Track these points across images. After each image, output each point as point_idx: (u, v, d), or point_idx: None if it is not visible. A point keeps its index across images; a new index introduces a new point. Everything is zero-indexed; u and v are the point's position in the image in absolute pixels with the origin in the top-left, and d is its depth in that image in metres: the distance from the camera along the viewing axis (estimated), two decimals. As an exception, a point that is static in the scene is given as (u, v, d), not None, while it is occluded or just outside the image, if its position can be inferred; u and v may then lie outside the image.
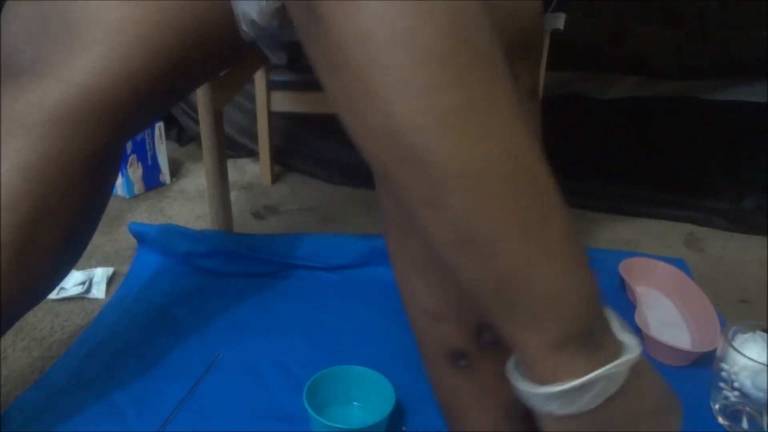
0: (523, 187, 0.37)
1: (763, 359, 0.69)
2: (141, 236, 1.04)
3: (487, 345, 0.50)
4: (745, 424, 0.73)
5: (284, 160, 1.46)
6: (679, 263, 1.04)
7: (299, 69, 1.38)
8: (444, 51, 0.34)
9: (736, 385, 0.72)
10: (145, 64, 0.55)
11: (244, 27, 0.59)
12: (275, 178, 1.42)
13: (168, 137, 1.47)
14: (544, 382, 0.39)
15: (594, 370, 0.39)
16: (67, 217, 0.58)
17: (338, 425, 0.66)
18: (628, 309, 0.93)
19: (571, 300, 0.39)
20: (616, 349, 0.40)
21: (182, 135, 1.58)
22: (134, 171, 1.30)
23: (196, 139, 1.52)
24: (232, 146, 1.47)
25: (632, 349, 0.41)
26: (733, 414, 0.74)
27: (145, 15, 0.55)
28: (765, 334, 0.74)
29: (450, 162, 0.36)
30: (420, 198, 0.37)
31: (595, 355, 0.39)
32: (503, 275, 0.38)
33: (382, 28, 0.34)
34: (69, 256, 0.63)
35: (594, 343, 0.40)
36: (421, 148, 0.35)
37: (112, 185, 0.65)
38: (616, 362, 0.39)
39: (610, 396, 0.39)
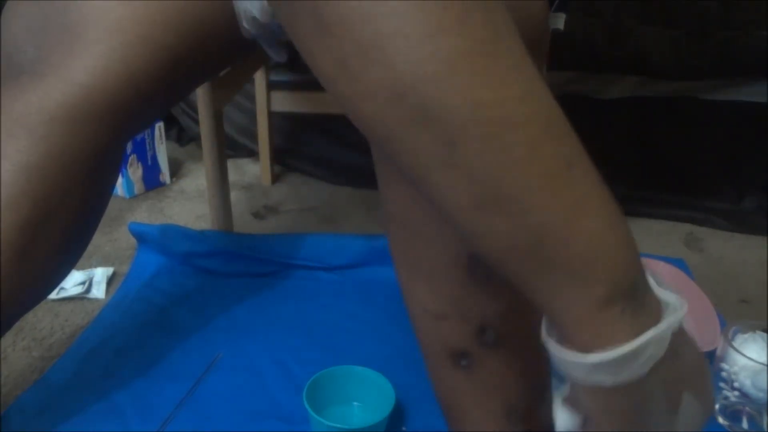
0: (545, 132, 0.34)
1: (763, 359, 0.69)
2: (141, 236, 1.04)
3: (488, 345, 0.50)
4: (745, 424, 0.73)
5: (284, 160, 1.46)
6: (679, 263, 1.04)
7: (299, 69, 1.38)
8: None
9: (736, 385, 0.72)
10: (145, 63, 0.55)
11: (245, 24, 0.59)
12: (275, 178, 1.42)
13: (168, 137, 1.47)
14: (590, 349, 0.35)
15: (643, 332, 0.35)
16: (67, 217, 0.58)
17: (338, 425, 0.66)
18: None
19: (612, 250, 0.35)
20: (659, 307, 0.37)
21: (182, 135, 1.58)
22: (134, 171, 1.30)
23: (196, 139, 1.52)
24: (232, 146, 1.47)
25: (677, 306, 0.37)
26: (733, 414, 0.74)
27: (146, 14, 0.55)
28: (765, 334, 0.74)
29: (465, 112, 0.33)
30: (434, 159, 0.34)
31: (641, 315, 0.36)
32: (537, 232, 0.35)
33: None
34: (69, 256, 0.63)
35: (638, 300, 0.36)
36: (430, 101, 0.33)
37: (113, 185, 0.65)
38: (667, 321, 0.36)
39: (659, 360, 0.36)
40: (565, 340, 0.37)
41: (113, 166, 0.62)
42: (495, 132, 0.33)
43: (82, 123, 0.54)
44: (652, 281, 0.38)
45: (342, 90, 0.35)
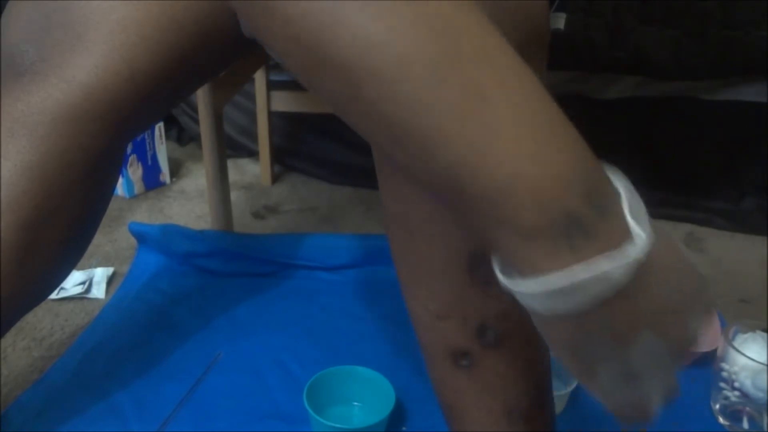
0: (443, 66, 0.32)
1: (763, 359, 0.69)
2: (141, 236, 1.04)
3: (488, 345, 0.50)
4: (745, 424, 0.73)
5: (284, 160, 1.46)
6: (679, 263, 1.04)
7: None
8: None
9: (736, 385, 0.72)
10: (147, 63, 0.55)
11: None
12: (275, 178, 1.42)
13: (168, 137, 1.47)
14: (525, 275, 0.34)
15: (579, 263, 0.32)
16: (68, 217, 0.58)
17: (338, 425, 0.66)
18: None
19: (535, 178, 0.33)
20: (616, 240, 0.33)
21: (182, 135, 1.58)
22: (134, 171, 1.30)
23: (196, 139, 1.52)
24: (232, 146, 1.47)
25: (638, 243, 0.33)
26: (733, 414, 0.74)
27: (147, 14, 0.55)
28: (765, 334, 0.75)
29: (357, 53, 0.33)
30: (341, 100, 0.35)
31: (583, 248, 0.33)
32: (451, 166, 0.33)
33: None
34: (70, 256, 0.63)
35: (583, 232, 0.33)
36: (327, 47, 0.33)
37: (114, 185, 0.65)
38: (618, 257, 0.33)
39: (607, 299, 0.33)
40: (510, 270, 0.36)
41: (114, 166, 0.62)
42: (388, 71, 0.32)
43: (84, 123, 0.54)
44: (626, 213, 0.35)
45: (258, 25, 0.36)
